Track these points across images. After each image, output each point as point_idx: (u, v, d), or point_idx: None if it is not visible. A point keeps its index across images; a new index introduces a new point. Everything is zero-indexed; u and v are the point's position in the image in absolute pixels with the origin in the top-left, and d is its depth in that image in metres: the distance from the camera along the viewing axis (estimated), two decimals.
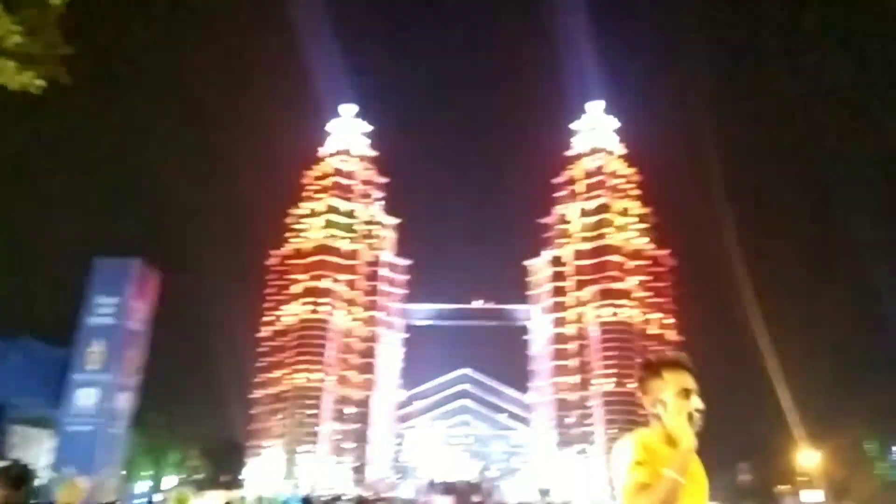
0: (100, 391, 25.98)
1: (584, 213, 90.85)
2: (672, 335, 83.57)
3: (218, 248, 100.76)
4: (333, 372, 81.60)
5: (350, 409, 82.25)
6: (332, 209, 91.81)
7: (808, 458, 68.80)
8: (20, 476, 3.94)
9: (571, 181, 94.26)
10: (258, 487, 69.52)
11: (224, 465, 74.16)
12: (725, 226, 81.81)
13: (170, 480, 68.04)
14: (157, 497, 44.86)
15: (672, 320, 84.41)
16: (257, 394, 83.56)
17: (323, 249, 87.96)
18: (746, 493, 76.21)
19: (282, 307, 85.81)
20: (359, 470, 79.74)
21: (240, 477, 75.78)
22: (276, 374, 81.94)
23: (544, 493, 74.40)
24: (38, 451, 29.36)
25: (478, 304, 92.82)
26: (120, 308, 27.04)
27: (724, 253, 79.70)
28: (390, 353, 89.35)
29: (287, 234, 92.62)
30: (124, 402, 27.24)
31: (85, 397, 25.65)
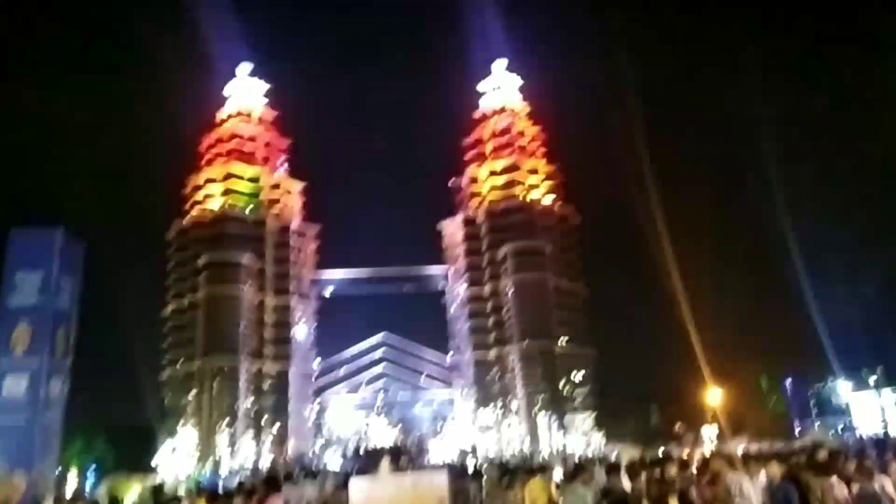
0: (28, 378, 22.95)
1: (494, 173, 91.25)
2: (582, 290, 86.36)
3: (117, 218, 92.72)
4: (247, 347, 78.18)
5: (266, 384, 79.42)
6: (234, 175, 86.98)
7: (712, 396, 73.31)
8: None
9: (481, 141, 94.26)
10: (172, 471, 66.19)
11: (132, 450, 69.78)
12: (629, 176, 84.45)
13: (73, 472, 63.41)
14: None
15: (582, 276, 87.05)
16: (165, 374, 78.83)
17: (226, 219, 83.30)
18: (657, 434, 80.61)
19: (187, 281, 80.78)
20: (279, 444, 77.53)
21: (151, 462, 71.66)
22: (186, 351, 77.46)
23: (467, 452, 75.49)
24: None
25: (392, 268, 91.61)
26: (45, 284, 23.86)
27: (629, 204, 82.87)
28: (305, 323, 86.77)
29: (187, 204, 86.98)
30: (57, 388, 24.28)
31: (13, 386, 22.58)
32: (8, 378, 22.86)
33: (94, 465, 65.92)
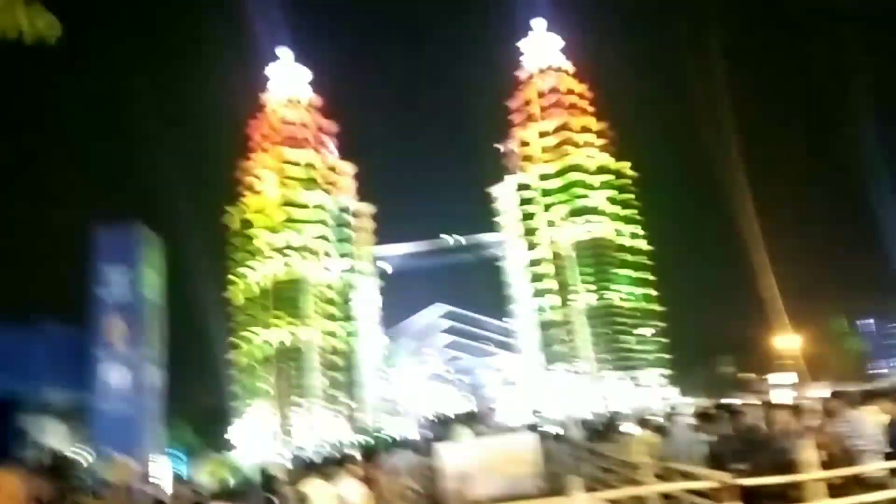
0: (129, 368, 24.18)
1: (543, 135, 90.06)
2: (643, 244, 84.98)
3: (177, 206, 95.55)
4: (314, 326, 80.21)
5: (337, 360, 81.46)
6: (289, 162, 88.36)
7: (787, 342, 71.51)
8: (57, 467, 2.81)
9: (527, 102, 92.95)
10: (248, 450, 68.57)
11: (210, 431, 72.72)
12: (685, 129, 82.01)
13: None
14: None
15: (642, 231, 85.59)
16: (236, 356, 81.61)
17: (286, 204, 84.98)
18: (728, 383, 79.32)
19: (251, 265, 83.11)
20: (353, 418, 79.63)
21: (228, 442, 74.49)
22: (255, 333, 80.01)
23: (537, 412, 75.94)
24: (54, 439, 27.50)
25: (448, 238, 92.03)
26: (133, 279, 24.95)
27: (692, 151, 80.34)
28: (368, 299, 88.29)
29: (243, 190, 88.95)
30: (154, 377, 25.51)
31: (118, 377, 23.85)
32: (111, 369, 24.10)
33: (184, 450, 69.12)
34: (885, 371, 66.87)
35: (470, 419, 60.82)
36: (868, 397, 13.67)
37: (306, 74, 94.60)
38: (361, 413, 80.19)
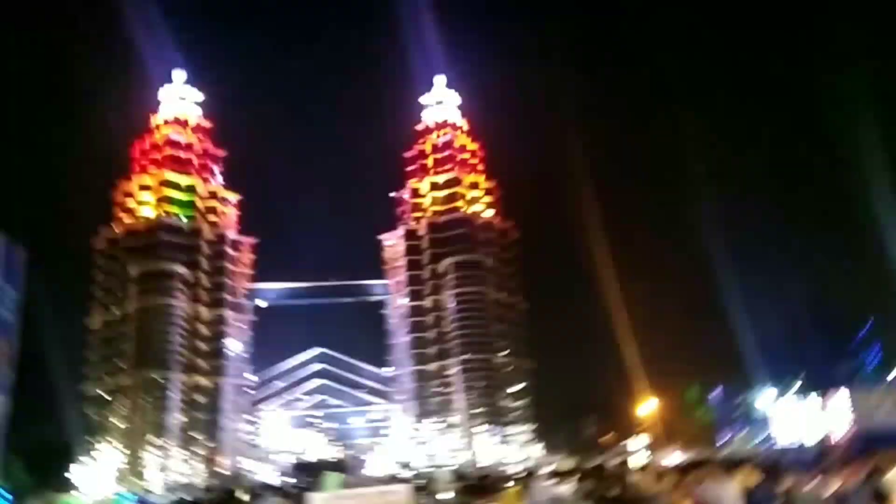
0: None
1: (435, 187, 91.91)
2: (521, 303, 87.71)
3: (38, 226, 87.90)
4: (179, 360, 75.65)
5: (199, 398, 76.95)
6: (169, 183, 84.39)
7: (644, 407, 75.58)
8: None
9: (423, 155, 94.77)
10: (93, 490, 63.08)
11: (48, 469, 66.04)
12: (568, 193, 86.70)
13: None
14: None
15: (520, 290, 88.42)
16: (90, 388, 75.19)
17: (160, 228, 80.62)
18: (591, 445, 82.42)
19: (116, 291, 77.58)
20: (212, 460, 75.18)
21: (70, 481, 67.94)
22: (114, 365, 74.24)
23: (405, 464, 75.15)
24: None
25: (331, 281, 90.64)
26: None
27: (566, 221, 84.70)
28: (240, 336, 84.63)
29: (117, 212, 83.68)
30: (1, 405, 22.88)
31: None
32: None
33: (9, 488, 62.10)
34: (730, 440, 71.70)
35: (338, 468, 59.15)
36: (728, 466, 14.78)
37: (198, 97, 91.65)
38: (221, 456, 75.80)
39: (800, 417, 58.70)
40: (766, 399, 69.73)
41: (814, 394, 59.31)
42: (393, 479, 38.42)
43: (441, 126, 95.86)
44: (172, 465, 70.84)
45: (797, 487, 11.97)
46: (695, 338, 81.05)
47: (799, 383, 70.89)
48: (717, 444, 70.47)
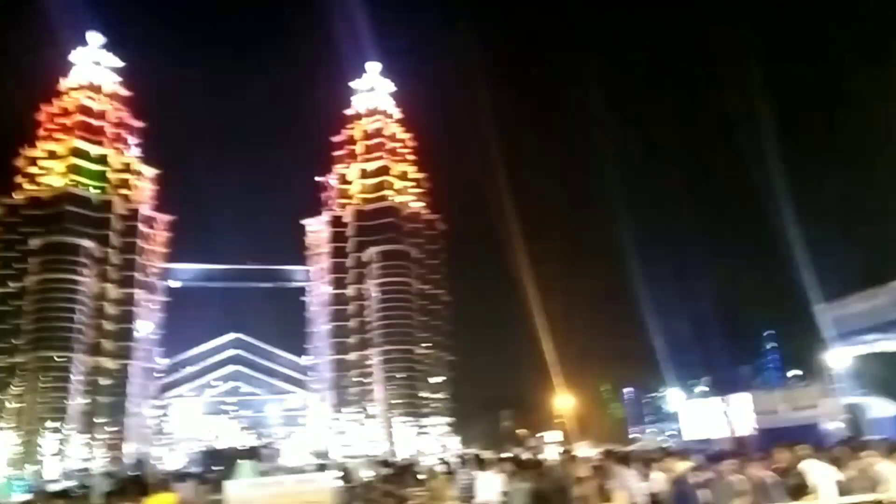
0: None
1: (364, 175, 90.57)
2: (444, 296, 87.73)
3: None
4: (83, 340, 71.51)
5: (104, 381, 73.02)
6: (78, 152, 79.48)
7: (560, 403, 77.26)
8: None
9: (351, 141, 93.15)
10: None
11: None
12: (493, 188, 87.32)
13: None
14: None
15: (444, 282, 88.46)
16: None
17: (67, 199, 75.82)
18: (506, 438, 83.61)
19: (15, 264, 72.46)
20: (115, 447, 71.52)
21: None
22: (10, 343, 69.36)
23: (322, 454, 73.97)
24: None
25: (249, 265, 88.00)
26: None
27: (492, 214, 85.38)
28: (150, 317, 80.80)
29: (19, 180, 78.15)
30: None
31: None
32: None
33: None
34: (641, 436, 74.33)
35: (252, 456, 57.43)
36: (647, 458, 15.00)
37: (115, 62, 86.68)
38: (125, 442, 72.21)
39: (706, 416, 61.59)
40: (673, 398, 72.81)
41: (714, 396, 62.60)
42: (310, 468, 37.53)
43: (372, 113, 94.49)
44: (71, 450, 66.92)
45: (718, 477, 12.14)
46: (610, 337, 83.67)
47: (705, 384, 74.33)
48: (629, 439, 72.90)
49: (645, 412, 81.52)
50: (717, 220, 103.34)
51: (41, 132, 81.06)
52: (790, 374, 77.09)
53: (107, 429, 71.52)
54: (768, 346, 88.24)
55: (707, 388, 70.41)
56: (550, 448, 73.01)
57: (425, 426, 78.66)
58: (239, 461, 26.78)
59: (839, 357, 37.99)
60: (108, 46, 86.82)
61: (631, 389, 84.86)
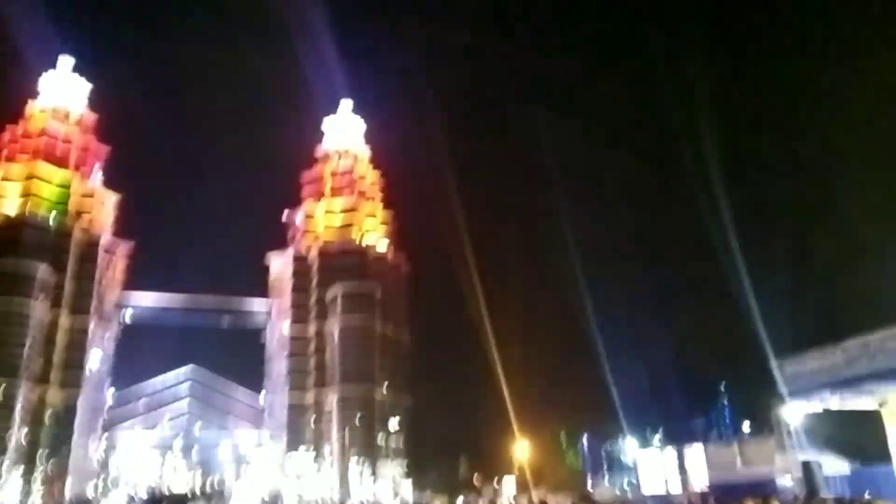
0: None
1: (331, 212, 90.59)
2: (406, 338, 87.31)
3: None
4: (29, 370, 68.84)
5: (48, 413, 70.08)
6: (37, 177, 77.82)
7: (518, 449, 77.23)
8: None
9: (320, 178, 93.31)
10: None
11: None
12: (459, 234, 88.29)
13: None
14: None
15: (406, 322, 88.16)
16: None
17: (23, 224, 73.89)
18: (462, 484, 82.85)
19: None
20: (53, 480, 68.24)
21: None
22: None
23: (274, 496, 72.03)
24: None
25: (208, 297, 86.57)
26: None
27: (456, 260, 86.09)
28: (103, 348, 78.33)
29: None
30: None
31: None
32: None
33: None
34: (598, 486, 74.39)
35: (202, 499, 55.69)
36: None
37: (85, 87, 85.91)
38: (64, 480, 69.01)
39: (661, 467, 62.17)
40: (630, 448, 73.51)
41: (670, 447, 63.43)
42: None
43: (342, 151, 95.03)
44: (6, 486, 63.70)
45: None
46: (568, 386, 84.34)
47: (659, 435, 75.16)
48: (586, 489, 72.86)
49: (602, 461, 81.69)
50: (674, 274, 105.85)
51: (2, 155, 79.24)
52: (741, 428, 78.56)
53: (48, 463, 68.30)
54: (720, 401, 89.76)
55: (661, 440, 71.20)
56: (507, 495, 72.75)
57: (379, 470, 77.27)
58: None
59: (793, 413, 39.16)
60: (78, 68, 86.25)
61: (588, 438, 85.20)
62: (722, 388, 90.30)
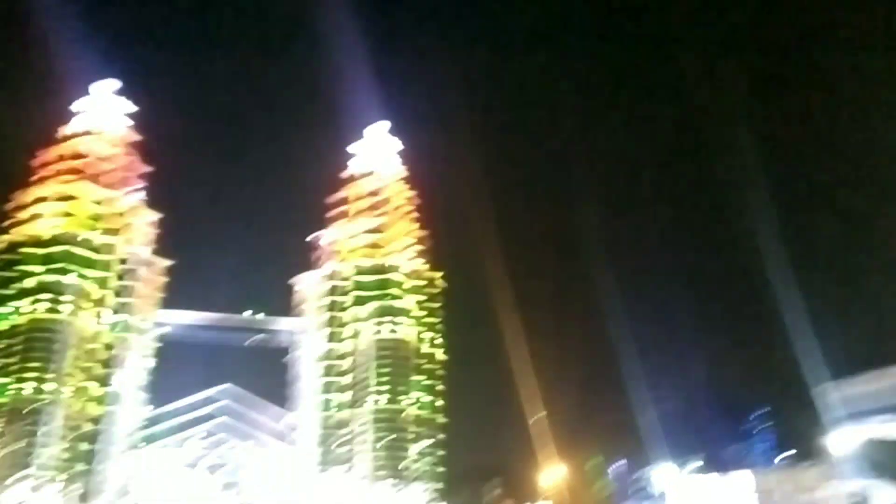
0: None
1: (365, 232, 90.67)
2: (440, 354, 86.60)
3: None
4: (69, 382, 69.95)
5: (86, 426, 70.97)
6: (78, 194, 79.42)
7: (550, 475, 75.85)
8: None
9: (355, 198, 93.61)
10: None
11: None
12: (494, 254, 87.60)
13: None
14: None
15: (441, 340, 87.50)
16: None
17: (63, 240, 75.45)
18: None
19: (8, 303, 71.47)
20: (85, 497, 68.78)
21: None
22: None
23: None
24: None
25: (245, 315, 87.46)
26: None
27: (490, 279, 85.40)
28: (140, 363, 79.04)
29: (15, 221, 77.63)
30: None
31: None
32: None
33: None
34: None
35: None
36: None
37: (129, 109, 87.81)
38: (99, 493, 69.53)
39: (700, 495, 60.28)
40: (664, 475, 71.49)
41: (714, 473, 61.46)
42: None
43: (369, 173, 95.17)
44: (38, 499, 64.37)
45: None
46: (601, 410, 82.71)
47: (698, 461, 73.14)
48: None
49: (633, 488, 79.70)
50: (712, 298, 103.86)
51: (46, 175, 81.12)
52: (784, 454, 76.00)
53: (81, 479, 68.90)
54: (762, 426, 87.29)
55: (700, 466, 69.15)
56: None
57: (410, 491, 76.39)
58: None
59: (843, 439, 37.64)
60: (124, 91, 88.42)
61: (623, 462, 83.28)
62: (763, 414, 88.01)
